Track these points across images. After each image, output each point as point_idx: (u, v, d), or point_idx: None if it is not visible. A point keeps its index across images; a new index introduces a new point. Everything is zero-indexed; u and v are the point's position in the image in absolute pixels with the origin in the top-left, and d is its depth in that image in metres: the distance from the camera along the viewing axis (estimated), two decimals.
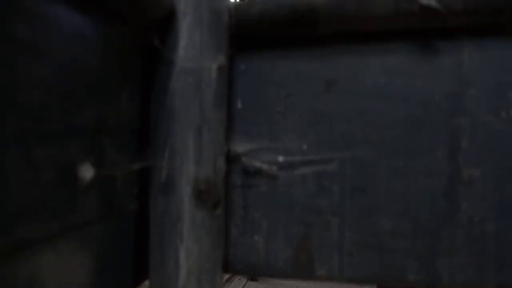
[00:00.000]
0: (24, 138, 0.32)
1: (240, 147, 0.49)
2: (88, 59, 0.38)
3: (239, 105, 0.50)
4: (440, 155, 0.46)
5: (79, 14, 0.37)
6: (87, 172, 0.38)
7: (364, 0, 0.44)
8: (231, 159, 0.49)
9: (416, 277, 0.45)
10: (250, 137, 0.50)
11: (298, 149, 0.48)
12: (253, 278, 4.08)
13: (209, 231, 0.45)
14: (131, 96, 0.44)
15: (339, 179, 0.47)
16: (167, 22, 0.45)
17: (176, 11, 0.45)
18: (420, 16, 0.44)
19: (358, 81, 0.47)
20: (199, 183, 0.45)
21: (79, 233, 0.37)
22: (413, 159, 0.46)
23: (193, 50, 0.45)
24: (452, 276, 0.45)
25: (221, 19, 0.47)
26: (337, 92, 0.48)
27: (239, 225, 0.50)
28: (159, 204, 0.45)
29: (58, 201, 0.34)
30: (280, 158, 0.49)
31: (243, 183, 0.50)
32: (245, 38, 0.49)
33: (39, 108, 0.33)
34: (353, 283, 0.47)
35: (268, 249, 0.49)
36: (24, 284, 0.31)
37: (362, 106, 0.47)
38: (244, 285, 4.03)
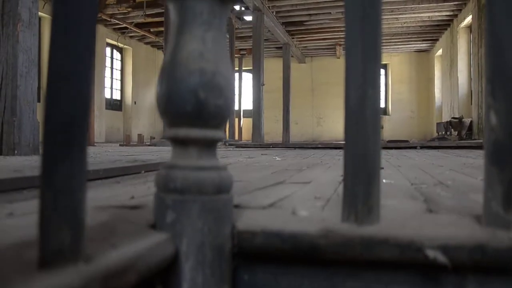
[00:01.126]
0: None
1: None
2: None
3: None
4: None
5: None
6: None
7: (369, 245, 0.44)
8: None
9: None
10: None
11: None
12: None
13: None
14: None
15: None
16: (169, 266, 0.45)
17: (179, 253, 0.45)
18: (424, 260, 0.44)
19: None
20: None
21: None
22: None
23: None
24: None
25: (223, 250, 0.47)
26: None
27: None
28: None
29: None
30: None
31: None
32: (248, 255, 0.49)
33: None
34: None
35: None
36: None
37: None
38: None
